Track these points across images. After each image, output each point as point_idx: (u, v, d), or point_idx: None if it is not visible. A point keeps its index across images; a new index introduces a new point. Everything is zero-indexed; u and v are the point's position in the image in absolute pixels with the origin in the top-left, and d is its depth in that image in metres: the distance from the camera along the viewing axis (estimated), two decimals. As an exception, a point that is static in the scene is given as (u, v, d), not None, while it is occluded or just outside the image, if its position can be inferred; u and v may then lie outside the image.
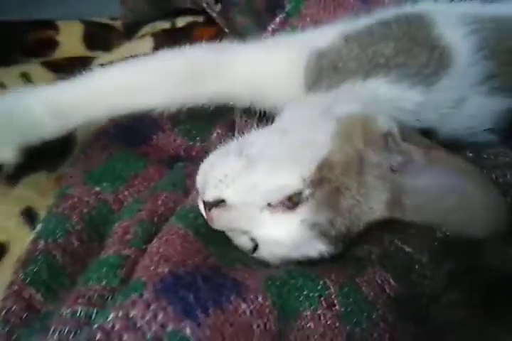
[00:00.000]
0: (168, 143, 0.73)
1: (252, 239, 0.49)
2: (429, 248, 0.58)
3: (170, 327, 0.35)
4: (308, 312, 0.45)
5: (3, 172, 0.58)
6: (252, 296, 0.41)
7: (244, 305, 0.40)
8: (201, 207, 0.49)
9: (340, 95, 0.54)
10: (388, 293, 0.53)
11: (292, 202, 0.45)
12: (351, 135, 0.48)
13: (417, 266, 0.57)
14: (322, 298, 0.47)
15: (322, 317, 0.46)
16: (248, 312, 0.40)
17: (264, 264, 0.49)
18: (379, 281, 0.53)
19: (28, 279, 0.47)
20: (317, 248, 0.47)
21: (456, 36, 0.59)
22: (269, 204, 0.46)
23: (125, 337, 0.34)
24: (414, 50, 0.57)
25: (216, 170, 0.48)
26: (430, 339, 0.46)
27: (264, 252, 0.49)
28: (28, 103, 0.54)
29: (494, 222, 0.44)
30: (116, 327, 0.34)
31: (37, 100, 0.54)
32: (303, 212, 0.45)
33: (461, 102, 0.58)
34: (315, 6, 0.83)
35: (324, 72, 0.58)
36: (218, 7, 0.92)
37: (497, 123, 0.61)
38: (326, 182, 0.45)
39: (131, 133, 0.71)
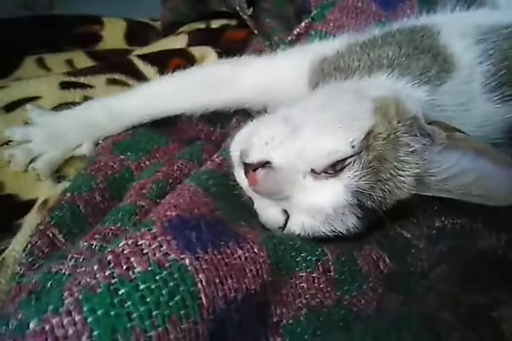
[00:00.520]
0: (191, 126, 0.79)
1: (284, 211, 0.51)
2: (427, 235, 0.61)
3: (172, 256, 0.39)
4: (304, 274, 0.49)
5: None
6: (248, 246, 0.45)
7: (240, 252, 0.44)
8: (240, 172, 0.51)
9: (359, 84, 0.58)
10: (382, 269, 0.56)
11: (335, 169, 0.48)
12: (387, 113, 0.52)
13: (413, 250, 0.60)
14: (319, 263, 0.51)
15: (316, 280, 0.50)
16: (243, 258, 0.44)
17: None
18: (374, 257, 0.57)
19: (53, 222, 0.52)
20: (349, 221, 0.50)
21: (460, 46, 0.62)
22: (312, 170, 0.48)
23: (132, 259, 0.38)
24: (418, 56, 0.61)
25: (261, 133, 0.49)
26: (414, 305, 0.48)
27: (295, 225, 0.51)
28: (95, 111, 0.69)
29: None
30: (126, 251, 0.39)
31: (99, 109, 0.69)
32: (347, 177, 0.48)
33: (469, 107, 0.61)
34: (339, 12, 0.89)
35: (327, 72, 0.63)
36: (250, 10, 1.00)
37: (507, 133, 0.63)
38: (371, 149, 0.49)
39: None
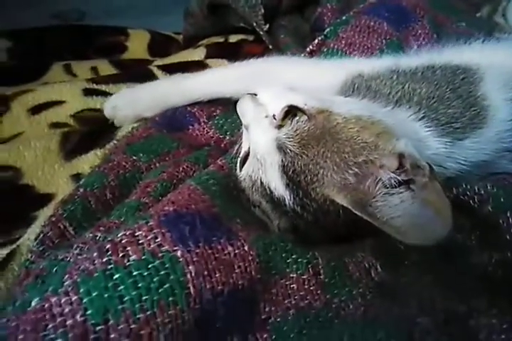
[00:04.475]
0: (202, 133, 0.83)
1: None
2: (421, 248, 0.61)
3: (165, 248, 0.42)
4: (295, 275, 0.51)
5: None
6: (239, 243, 0.48)
7: (230, 248, 0.47)
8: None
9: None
10: (373, 276, 0.57)
11: (281, 125, 0.52)
12: (366, 127, 0.49)
13: (406, 262, 0.60)
14: (310, 265, 0.52)
15: (306, 282, 0.51)
16: (232, 255, 0.46)
17: (262, 224, 0.55)
18: (366, 265, 0.57)
19: (65, 214, 0.57)
20: (278, 183, 0.50)
21: (498, 99, 0.59)
22: (273, 117, 0.53)
23: (128, 248, 0.42)
24: (451, 101, 0.58)
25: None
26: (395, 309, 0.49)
27: (247, 164, 0.54)
28: (165, 85, 0.86)
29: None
30: (123, 241, 0.42)
31: (169, 83, 0.86)
32: (281, 132, 0.51)
33: (488, 164, 0.58)
34: (351, 31, 0.92)
35: (357, 88, 0.64)
36: (266, 27, 1.05)
37: None
38: (313, 123, 0.50)
39: (172, 121, 0.82)
